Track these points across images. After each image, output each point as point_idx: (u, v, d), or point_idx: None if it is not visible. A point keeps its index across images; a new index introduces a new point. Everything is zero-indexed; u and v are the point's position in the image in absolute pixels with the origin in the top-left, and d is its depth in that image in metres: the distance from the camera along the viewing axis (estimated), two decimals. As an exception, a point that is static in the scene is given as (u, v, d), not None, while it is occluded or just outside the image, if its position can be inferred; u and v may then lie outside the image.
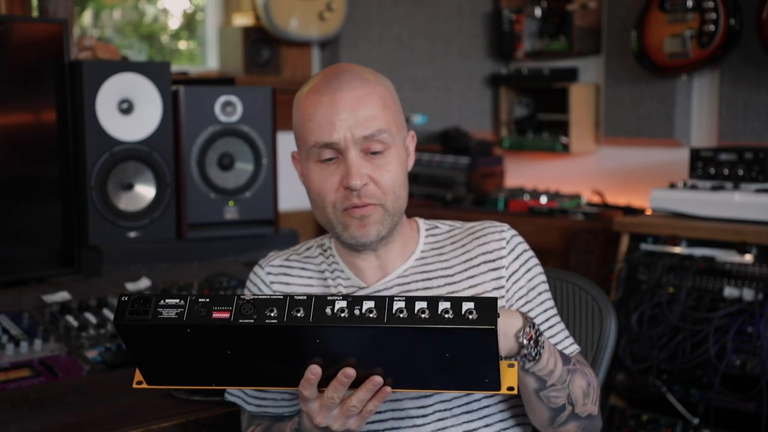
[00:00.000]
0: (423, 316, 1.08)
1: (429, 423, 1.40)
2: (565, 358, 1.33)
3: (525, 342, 1.23)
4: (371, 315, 1.09)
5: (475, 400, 1.42)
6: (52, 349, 1.82)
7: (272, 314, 1.11)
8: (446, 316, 1.08)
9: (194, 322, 1.11)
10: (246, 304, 1.12)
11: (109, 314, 1.97)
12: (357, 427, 1.23)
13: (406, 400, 1.40)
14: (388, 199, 1.38)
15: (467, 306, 1.08)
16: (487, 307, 1.08)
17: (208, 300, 1.12)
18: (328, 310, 1.10)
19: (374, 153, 1.37)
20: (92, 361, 1.81)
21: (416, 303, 1.09)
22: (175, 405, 1.61)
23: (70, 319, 1.93)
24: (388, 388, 1.19)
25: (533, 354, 1.24)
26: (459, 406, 1.41)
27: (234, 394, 1.52)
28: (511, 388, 1.18)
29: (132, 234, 2.27)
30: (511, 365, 1.20)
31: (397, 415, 1.41)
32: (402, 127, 1.43)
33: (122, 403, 1.62)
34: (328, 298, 1.11)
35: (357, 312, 1.09)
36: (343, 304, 1.10)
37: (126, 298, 1.14)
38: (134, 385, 1.24)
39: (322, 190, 1.38)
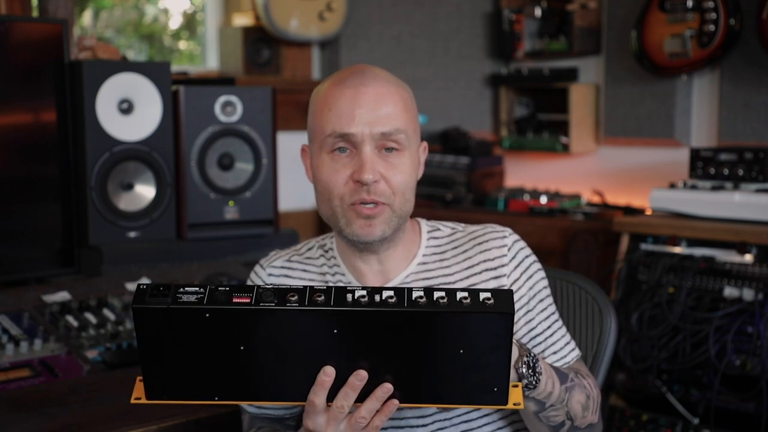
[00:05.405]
0: (442, 302, 1.11)
1: None
2: (563, 377, 1.33)
3: (524, 371, 1.24)
4: (391, 301, 1.11)
5: (474, 410, 1.41)
6: (52, 349, 1.82)
7: (293, 299, 1.11)
8: (465, 302, 1.10)
9: (215, 306, 1.11)
10: (266, 291, 1.12)
11: (109, 314, 1.97)
12: None
13: (406, 410, 1.40)
14: (397, 199, 1.36)
15: (484, 295, 1.12)
16: (504, 296, 1.11)
17: (228, 288, 1.13)
18: (348, 297, 1.12)
19: (389, 150, 1.36)
20: (92, 361, 1.81)
21: (435, 292, 1.12)
22: (175, 405, 1.61)
23: (70, 319, 1.93)
24: (396, 401, 1.19)
25: (533, 382, 1.25)
26: (458, 416, 1.41)
27: (234, 393, 1.51)
28: (517, 404, 1.19)
29: (132, 234, 2.27)
30: (515, 385, 1.21)
31: (396, 424, 1.40)
32: (417, 134, 1.43)
33: (122, 403, 1.61)
34: (348, 287, 1.13)
35: (377, 299, 1.11)
36: (363, 292, 1.12)
37: (145, 286, 1.13)
38: (132, 401, 1.20)
39: (331, 182, 1.36)
